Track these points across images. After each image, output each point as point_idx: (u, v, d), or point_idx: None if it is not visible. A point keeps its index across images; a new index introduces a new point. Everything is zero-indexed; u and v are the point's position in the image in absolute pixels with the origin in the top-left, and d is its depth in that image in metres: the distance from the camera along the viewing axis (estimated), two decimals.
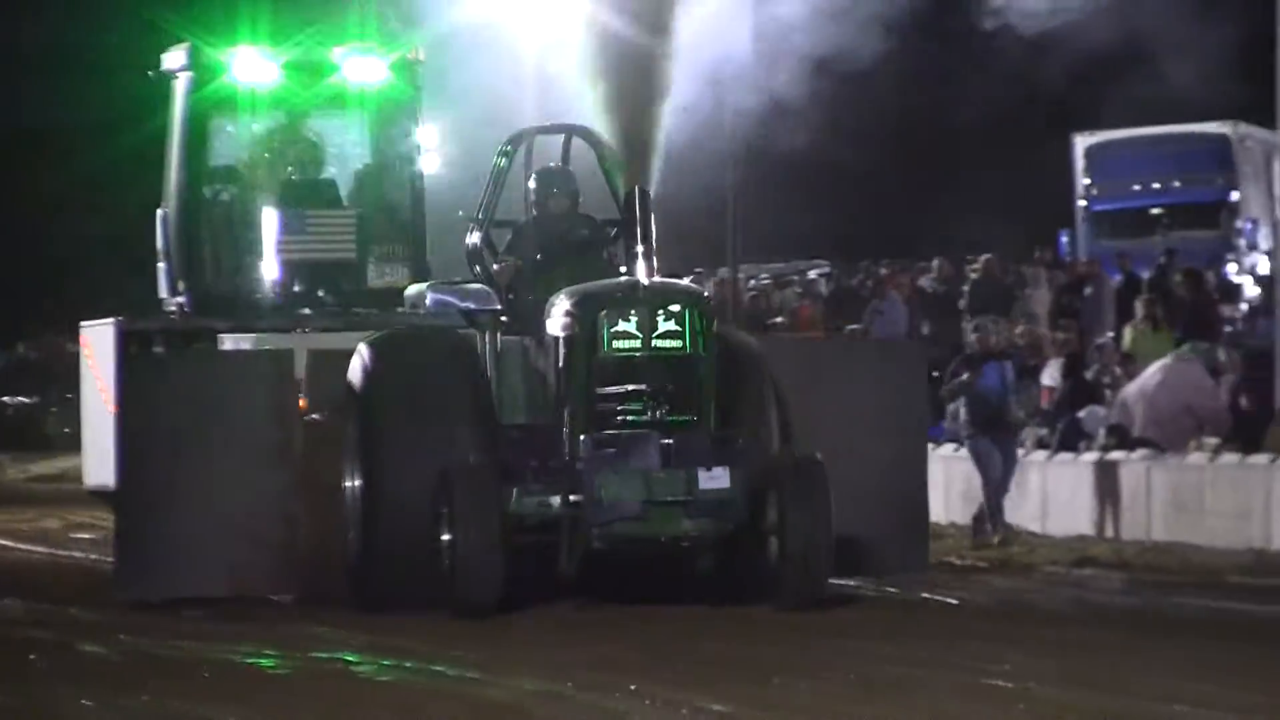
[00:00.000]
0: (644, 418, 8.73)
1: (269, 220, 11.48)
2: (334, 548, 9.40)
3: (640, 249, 8.92)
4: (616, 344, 8.85)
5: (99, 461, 12.00)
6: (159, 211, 11.67)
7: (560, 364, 8.90)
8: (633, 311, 8.81)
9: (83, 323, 12.44)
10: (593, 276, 9.30)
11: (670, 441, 8.55)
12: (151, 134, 11.93)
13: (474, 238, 9.73)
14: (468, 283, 9.79)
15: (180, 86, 11.50)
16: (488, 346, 9.43)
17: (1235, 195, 20.85)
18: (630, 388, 8.83)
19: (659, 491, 8.48)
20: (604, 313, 8.79)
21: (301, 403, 9.87)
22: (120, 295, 15.58)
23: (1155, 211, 23.68)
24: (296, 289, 11.56)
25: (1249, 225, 22.36)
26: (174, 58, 11.51)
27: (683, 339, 8.90)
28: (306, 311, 11.32)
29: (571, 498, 8.56)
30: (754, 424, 9.00)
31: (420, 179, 11.89)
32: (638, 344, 8.86)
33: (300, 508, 9.55)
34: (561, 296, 8.94)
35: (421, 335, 10.12)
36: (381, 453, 9.11)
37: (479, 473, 8.77)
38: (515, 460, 9.02)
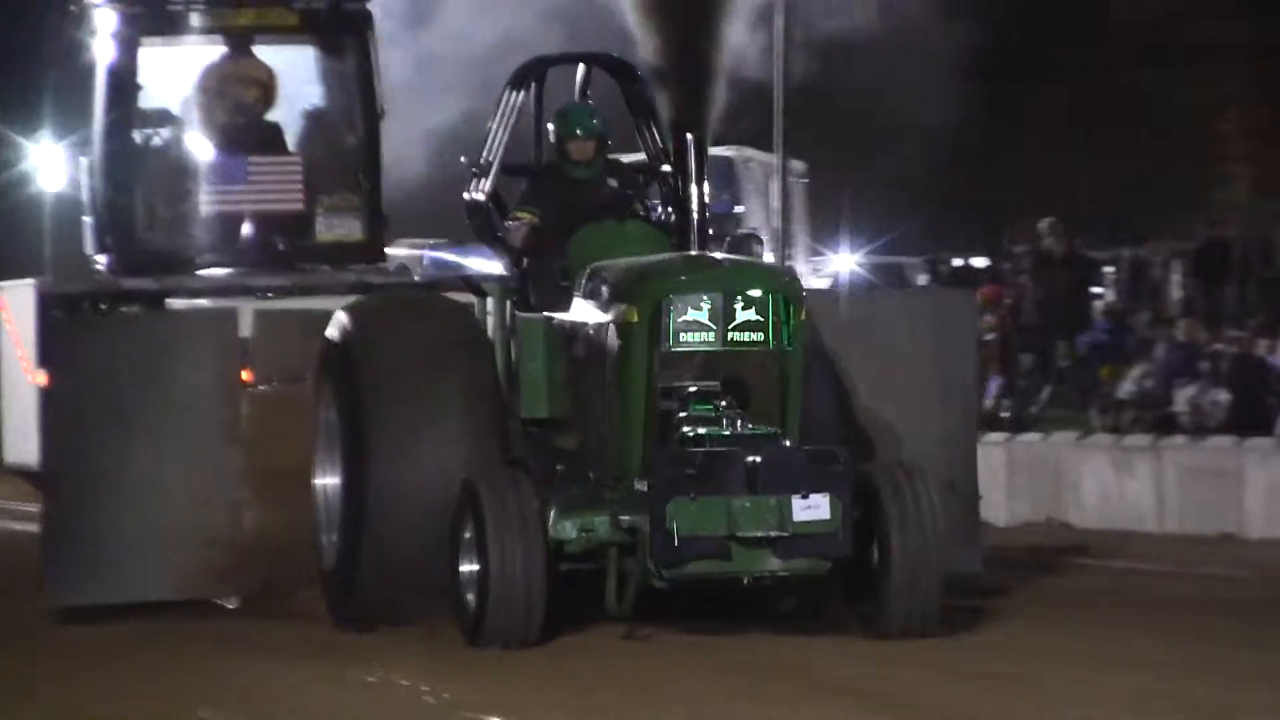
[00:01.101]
0: (719, 430, 7.16)
1: (207, 168, 10.61)
2: (291, 544, 8.32)
3: (695, 213, 7.63)
4: (685, 336, 7.33)
5: (21, 437, 11.42)
6: (82, 160, 10.71)
7: (609, 357, 7.40)
8: (705, 298, 7.31)
9: (0, 282, 11.68)
10: (635, 239, 7.92)
11: (757, 460, 6.99)
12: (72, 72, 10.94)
13: (478, 190, 8.31)
14: (472, 243, 8.49)
15: (104, 16, 10.47)
16: (498, 321, 8.12)
17: (740, 208, 23.24)
18: (699, 390, 7.33)
19: (746, 525, 6.92)
20: (671, 298, 7.31)
21: (246, 374, 8.82)
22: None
23: None
24: (239, 244, 10.58)
25: None
26: None
27: (765, 331, 7.36)
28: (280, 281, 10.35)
29: (627, 523, 7.10)
30: (824, 427, 7.68)
31: (376, 120, 10.87)
32: (711, 337, 7.34)
33: (250, 495, 8.51)
34: (609, 270, 7.54)
35: (419, 302, 8.86)
36: (371, 447, 7.74)
37: (520, 487, 7.23)
38: (539, 468, 7.71)
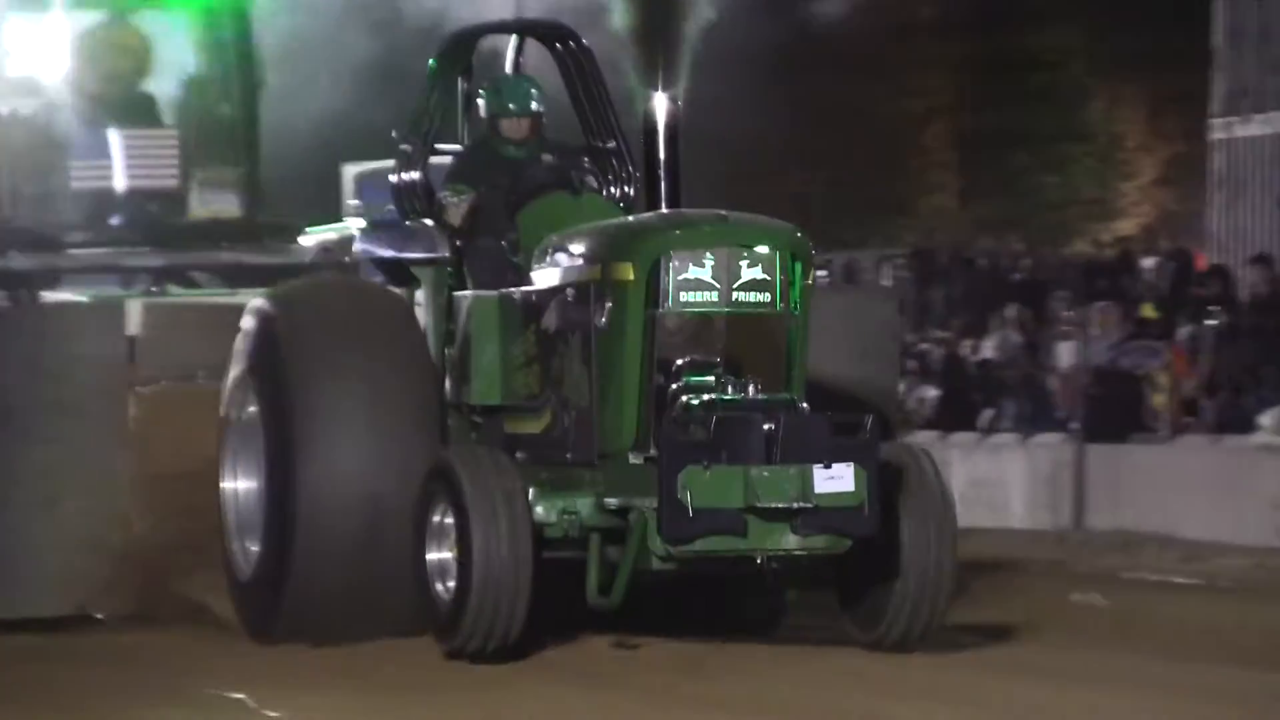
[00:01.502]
0: (726, 395, 6.52)
1: (76, 141, 10.19)
2: (185, 554, 7.89)
3: (665, 181, 7.16)
4: (685, 296, 6.66)
5: None
6: None
7: (595, 323, 6.73)
8: (709, 255, 6.66)
9: None
10: (591, 213, 7.33)
11: (773, 427, 6.35)
12: None
13: (412, 168, 7.74)
14: (402, 222, 7.85)
15: None
16: (431, 305, 7.58)
17: None
18: (694, 360, 6.68)
19: (765, 495, 6.25)
20: (671, 254, 6.65)
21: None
22: None
23: None
24: (112, 222, 10.26)
25: None
26: None
27: (772, 292, 6.72)
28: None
29: (614, 504, 6.53)
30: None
31: (254, 91, 10.56)
32: (715, 297, 6.68)
33: (139, 502, 7.98)
34: (586, 233, 6.94)
35: (349, 286, 8.19)
36: (303, 444, 7.15)
37: (501, 465, 6.62)
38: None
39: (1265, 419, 12.24)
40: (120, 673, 6.81)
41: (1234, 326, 13.46)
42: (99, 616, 7.88)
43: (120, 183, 10.17)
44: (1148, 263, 17.24)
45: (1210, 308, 13.86)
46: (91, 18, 10.29)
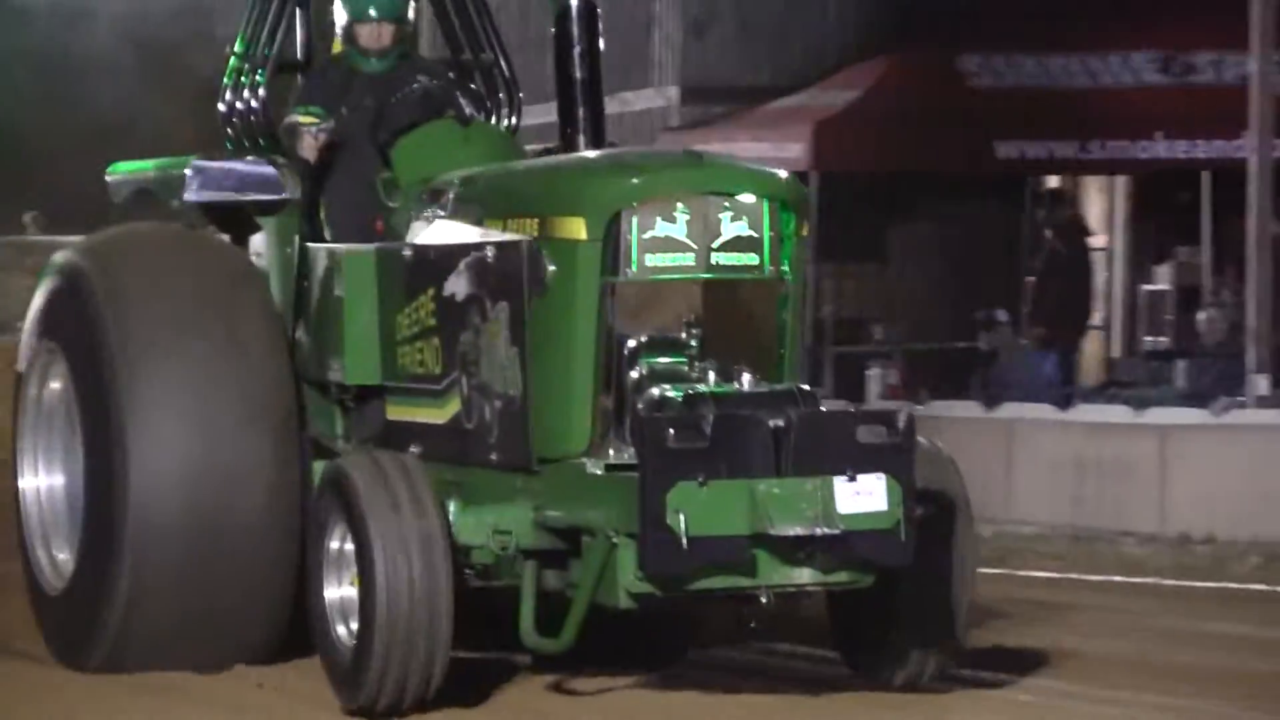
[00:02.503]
0: (699, 388, 5.07)
1: None
2: None
3: (584, 111, 5.95)
4: (653, 260, 5.25)
5: None
6: None
7: (528, 291, 5.30)
8: (679, 206, 5.25)
9: None
10: (484, 146, 6.11)
11: (783, 427, 4.94)
12: None
13: (248, 91, 6.41)
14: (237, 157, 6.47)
15: None
16: (277, 258, 6.28)
17: None
18: (672, 336, 5.24)
19: (779, 518, 4.84)
20: (635, 205, 5.24)
21: None
22: None
23: None
24: None
25: None
26: None
27: (760, 252, 5.34)
28: None
29: (559, 521, 5.17)
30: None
31: None
32: (691, 260, 5.27)
33: None
34: (511, 175, 5.85)
35: (175, 236, 6.55)
36: (127, 427, 5.87)
37: (411, 472, 5.21)
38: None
39: None
40: None
41: None
42: None
43: None
44: None
45: None
46: None
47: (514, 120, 6.54)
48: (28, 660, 6.14)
